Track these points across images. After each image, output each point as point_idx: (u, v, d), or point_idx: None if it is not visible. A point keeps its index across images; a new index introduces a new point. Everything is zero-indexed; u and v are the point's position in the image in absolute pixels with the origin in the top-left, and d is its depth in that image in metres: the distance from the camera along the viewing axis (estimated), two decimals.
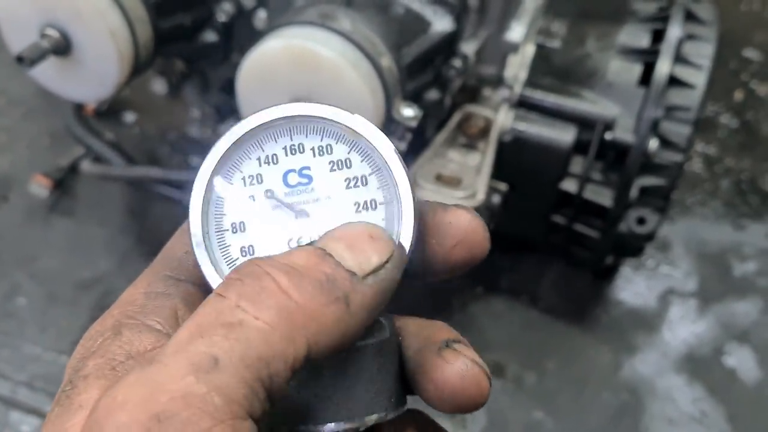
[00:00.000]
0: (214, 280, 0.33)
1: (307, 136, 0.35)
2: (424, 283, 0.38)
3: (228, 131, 0.34)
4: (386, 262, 0.32)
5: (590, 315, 1.17)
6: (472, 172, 0.84)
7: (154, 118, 1.38)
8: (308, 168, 0.35)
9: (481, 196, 0.79)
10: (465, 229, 0.35)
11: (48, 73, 0.78)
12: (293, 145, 0.35)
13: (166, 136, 1.36)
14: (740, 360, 1.11)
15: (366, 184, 0.35)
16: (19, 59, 0.72)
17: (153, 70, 1.01)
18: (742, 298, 1.18)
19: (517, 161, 0.95)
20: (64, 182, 1.27)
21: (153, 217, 1.26)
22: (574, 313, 1.17)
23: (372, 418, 0.33)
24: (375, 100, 0.65)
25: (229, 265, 0.34)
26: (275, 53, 0.65)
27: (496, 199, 0.95)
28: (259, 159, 0.35)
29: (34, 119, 1.39)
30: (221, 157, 0.34)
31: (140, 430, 0.26)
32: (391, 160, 0.34)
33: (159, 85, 0.97)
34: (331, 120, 0.34)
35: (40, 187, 1.23)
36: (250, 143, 0.35)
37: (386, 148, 0.34)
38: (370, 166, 0.35)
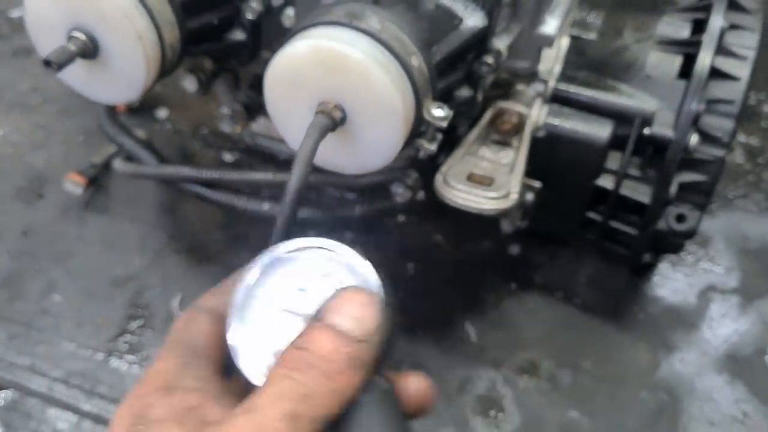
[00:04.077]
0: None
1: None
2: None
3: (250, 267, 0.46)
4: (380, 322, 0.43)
5: (627, 312, 1.15)
6: (505, 171, 0.82)
7: (186, 114, 1.38)
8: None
9: (514, 196, 0.77)
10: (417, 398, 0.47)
11: (76, 75, 0.78)
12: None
13: (197, 132, 1.36)
14: None
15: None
16: (47, 63, 0.71)
17: (183, 68, 1.01)
18: None
19: (551, 158, 0.93)
20: (97, 180, 1.28)
21: (185, 215, 1.26)
22: (611, 309, 1.15)
23: None
24: (405, 101, 0.64)
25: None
26: (302, 55, 0.63)
27: (530, 196, 0.93)
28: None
29: (69, 117, 1.40)
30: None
31: None
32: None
33: (189, 83, 0.97)
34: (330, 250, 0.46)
35: (74, 184, 1.25)
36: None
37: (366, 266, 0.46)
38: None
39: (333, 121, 0.63)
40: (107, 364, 1.09)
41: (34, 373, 1.08)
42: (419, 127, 0.68)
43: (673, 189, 0.90)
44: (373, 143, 0.66)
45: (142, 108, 1.37)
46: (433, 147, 0.69)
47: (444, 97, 0.73)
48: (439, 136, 0.70)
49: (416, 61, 0.65)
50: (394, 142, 0.66)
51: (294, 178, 0.54)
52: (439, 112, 0.67)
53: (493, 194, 0.76)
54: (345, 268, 0.45)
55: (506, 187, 0.77)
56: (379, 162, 0.67)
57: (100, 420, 1.03)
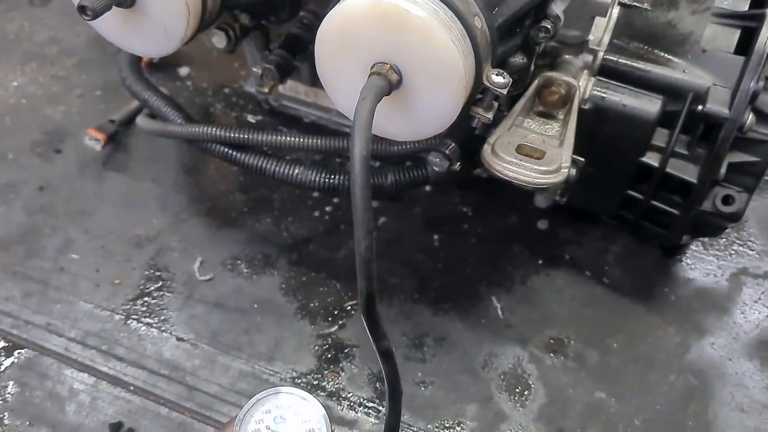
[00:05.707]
0: None
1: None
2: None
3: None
4: None
5: (657, 293, 1.12)
6: (554, 144, 0.79)
7: (209, 73, 1.34)
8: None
9: (566, 171, 0.74)
10: None
11: (110, 24, 0.74)
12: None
13: (219, 92, 1.32)
14: None
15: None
16: (81, 9, 0.68)
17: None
18: None
19: (595, 132, 0.90)
20: (117, 136, 1.24)
21: (207, 176, 1.23)
22: (640, 290, 1.12)
23: None
24: (466, 64, 0.60)
25: None
26: (359, 11, 0.60)
27: (573, 172, 0.89)
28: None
29: (86, 70, 1.36)
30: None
31: None
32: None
33: (218, 40, 0.93)
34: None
35: (93, 140, 1.21)
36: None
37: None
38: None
39: (389, 83, 0.60)
40: (125, 325, 1.06)
41: (50, 332, 1.06)
42: (476, 93, 0.65)
43: (722, 169, 0.86)
44: (429, 109, 0.62)
45: (163, 65, 1.33)
46: (489, 116, 0.66)
47: (500, 64, 0.69)
48: (495, 104, 0.67)
49: (479, 22, 0.62)
50: (451, 108, 0.62)
51: (357, 146, 0.51)
52: (499, 79, 0.63)
53: (544, 168, 0.73)
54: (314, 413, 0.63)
55: (557, 161, 0.74)
56: (434, 129, 0.64)
57: (118, 382, 1.01)
